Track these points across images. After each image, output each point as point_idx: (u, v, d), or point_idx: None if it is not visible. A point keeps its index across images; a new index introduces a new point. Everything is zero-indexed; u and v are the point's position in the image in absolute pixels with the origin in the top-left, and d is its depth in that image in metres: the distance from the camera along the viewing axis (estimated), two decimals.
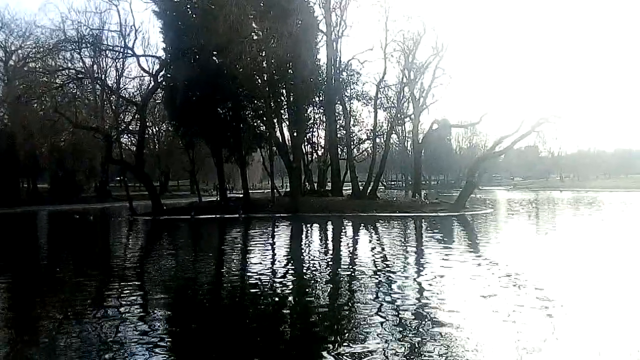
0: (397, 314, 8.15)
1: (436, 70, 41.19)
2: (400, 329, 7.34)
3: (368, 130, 44.45)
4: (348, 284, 10.97)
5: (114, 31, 34.99)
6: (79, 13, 34.84)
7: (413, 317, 7.89)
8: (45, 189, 62.52)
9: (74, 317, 8.56)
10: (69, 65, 35.07)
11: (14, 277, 13.39)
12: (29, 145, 37.21)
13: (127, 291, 10.60)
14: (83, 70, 35.97)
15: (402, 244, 18.02)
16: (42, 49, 35.75)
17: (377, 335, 7.01)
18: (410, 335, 7.02)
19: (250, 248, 17.91)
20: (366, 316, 8.02)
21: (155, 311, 9.04)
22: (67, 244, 21.60)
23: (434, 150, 75.56)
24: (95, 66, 40.63)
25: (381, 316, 8.01)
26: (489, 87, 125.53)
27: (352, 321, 7.97)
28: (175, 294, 10.70)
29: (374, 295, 9.69)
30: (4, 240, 23.47)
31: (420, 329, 7.25)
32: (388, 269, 12.46)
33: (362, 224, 25.18)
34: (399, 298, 9.25)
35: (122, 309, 8.93)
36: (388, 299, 9.26)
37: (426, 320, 7.69)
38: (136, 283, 11.95)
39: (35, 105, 35.61)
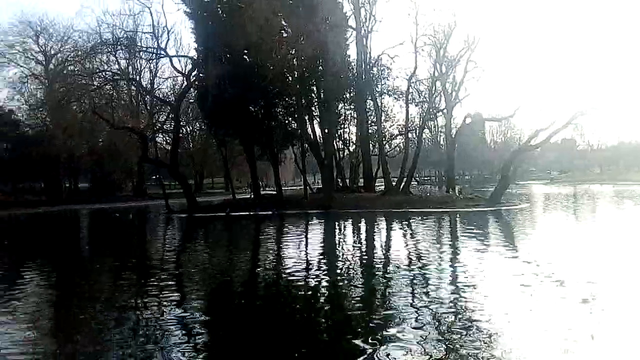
0: (434, 314, 8.04)
1: (468, 63, 40.40)
2: (436, 331, 7.25)
3: (400, 125, 44.09)
4: (386, 280, 10.86)
5: (148, 33, 35.73)
6: (113, 16, 35.69)
7: (452, 318, 7.76)
8: (85, 188, 64.66)
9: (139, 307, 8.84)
10: (106, 67, 36.17)
11: (75, 271, 13.96)
12: (69, 146, 38.53)
13: (170, 283, 10.89)
14: (119, 72, 36.96)
15: (437, 240, 17.80)
16: (80, 53, 36.92)
17: (418, 328, 6.97)
18: (453, 339, 6.92)
19: (287, 244, 18.10)
20: (405, 309, 7.98)
21: (206, 303, 9.24)
22: (113, 241, 22.39)
23: (467, 145, 74.14)
24: (130, 68, 41.73)
25: (418, 311, 7.95)
26: (524, 79, 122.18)
27: (393, 315, 7.92)
28: (220, 288, 10.91)
29: (412, 292, 9.58)
30: (56, 238, 24.50)
31: (462, 330, 7.13)
32: (424, 265, 12.23)
33: (396, 220, 25.00)
34: (435, 297, 9.12)
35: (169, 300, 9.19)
36: (425, 297, 9.16)
37: (467, 321, 7.55)
38: (177, 277, 12.27)
39: (74, 107, 36.75)
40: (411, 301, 8.76)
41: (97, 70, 35.27)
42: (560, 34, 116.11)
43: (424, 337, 6.65)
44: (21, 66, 49.38)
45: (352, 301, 9.23)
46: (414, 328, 7.07)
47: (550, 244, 16.06)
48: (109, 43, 34.16)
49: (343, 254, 15.36)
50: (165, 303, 9.29)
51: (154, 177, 63.80)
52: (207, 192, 66.11)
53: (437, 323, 7.36)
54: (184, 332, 7.47)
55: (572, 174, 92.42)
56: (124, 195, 60.62)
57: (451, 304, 8.35)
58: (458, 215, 26.15)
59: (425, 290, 9.71)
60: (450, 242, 17.27)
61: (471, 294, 9.03)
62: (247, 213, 31.19)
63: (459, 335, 6.69)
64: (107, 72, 35.64)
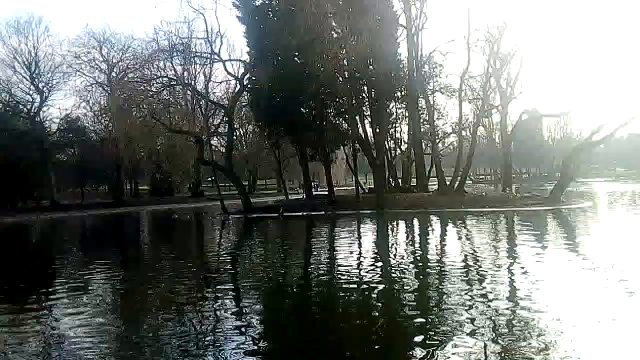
0: (491, 319, 7.86)
1: (524, 58, 39.14)
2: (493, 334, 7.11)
3: (453, 123, 43.31)
4: (443, 282, 10.65)
5: (201, 38, 36.74)
6: (169, 24, 37.03)
7: (509, 324, 7.57)
8: (145, 190, 67.47)
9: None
10: (163, 73, 37.47)
11: (158, 270, 14.81)
12: (130, 150, 40.25)
13: (226, 281, 11.22)
14: (175, 78, 38.18)
15: (494, 240, 17.36)
16: (139, 60, 38.49)
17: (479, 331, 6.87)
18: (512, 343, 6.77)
19: (344, 245, 18.15)
20: (463, 313, 7.86)
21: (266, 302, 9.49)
22: (179, 242, 23.55)
23: (524, 142, 71.80)
24: (185, 73, 42.98)
25: (477, 314, 7.81)
26: (584, 73, 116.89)
27: (452, 318, 7.82)
28: (290, 288, 11.15)
29: (470, 293, 9.33)
30: (130, 238, 26.33)
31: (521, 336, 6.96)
32: (482, 267, 11.94)
33: (450, 220, 24.56)
34: (494, 300, 8.90)
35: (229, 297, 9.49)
36: (484, 300, 8.95)
37: (527, 325, 7.35)
38: (234, 276, 12.65)
39: (135, 112, 38.32)
40: (473, 306, 8.55)
41: (155, 77, 36.62)
42: (625, 23, 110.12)
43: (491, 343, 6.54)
44: (86, 75, 52.09)
45: (421, 304, 9.10)
46: (476, 336, 6.96)
47: (617, 246, 15.21)
48: (165, 50, 35.44)
49: (401, 256, 15.13)
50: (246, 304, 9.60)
51: (210, 178, 65.67)
52: (260, 193, 67.32)
53: (507, 332, 7.21)
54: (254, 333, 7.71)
55: (639, 171, 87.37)
56: (182, 196, 62.78)
57: (522, 313, 8.11)
58: (516, 215, 25.31)
59: (485, 294, 9.40)
60: (510, 244, 16.60)
61: (543, 302, 8.63)
62: (300, 214, 31.51)
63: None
64: (164, 78, 36.93)
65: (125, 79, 41.51)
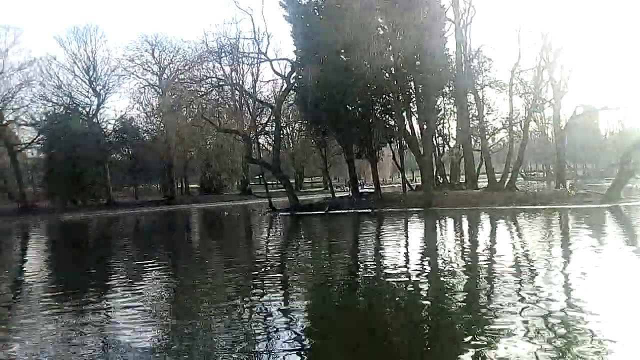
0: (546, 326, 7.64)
1: (579, 49, 37.59)
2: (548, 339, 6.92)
3: (503, 118, 42.05)
4: (495, 282, 10.34)
5: (249, 39, 37.32)
6: (217, 26, 37.89)
7: (563, 326, 7.33)
8: (195, 188, 69.36)
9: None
10: (212, 74, 38.35)
11: (216, 265, 15.22)
12: (181, 149, 41.45)
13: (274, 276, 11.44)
14: (223, 78, 38.99)
15: (548, 239, 16.77)
16: (188, 62, 39.64)
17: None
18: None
19: (389, 241, 18.08)
20: (515, 314, 7.70)
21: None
22: (232, 238, 24.44)
23: (578, 137, 68.83)
24: (233, 73, 43.84)
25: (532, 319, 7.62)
26: None
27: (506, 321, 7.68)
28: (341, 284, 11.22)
29: (522, 293, 9.12)
30: (183, 233, 28.04)
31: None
32: (536, 266, 11.53)
33: (502, 217, 23.96)
34: (548, 301, 8.62)
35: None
36: (538, 300, 8.68)
37: (582, 328, 7.10)
38: (285, 271, 12.91)
39: (185, 113, 39.44)
40: (527, 307, 8.34)
41: (204, 78, 37.54)
42: None
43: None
44: (139, 77, 54.16)
45: (473, 304, 9.00)
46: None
47: None
48: (214, 51, 36.28)
49: (452, 254, 14.67)
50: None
51: (258, 176, 66.70)
52: (307, 190, 67.79)
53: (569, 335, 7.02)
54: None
55: None
56: (230, 194, 64.13)
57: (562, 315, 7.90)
58: (570, 213, 24.40)
59: (539, 295, 9.10)
60: (564, 243, 15.86)
61: (600, 304, 8.30)
62: (346, 211, 31.53)
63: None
64: (213, 79, 37.79)
65: (176, 81, 42.79)
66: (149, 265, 14.83)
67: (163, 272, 13.95)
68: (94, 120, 53.56)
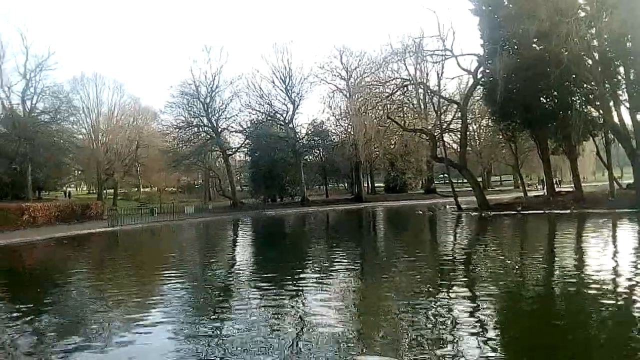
0: None
1: None
2: None
3: None
4: None
5: (434, 36, 37.00)
6: (401, 27, 38.32)
7: None
8: (380, 187, 71.37)
9: None
10: (396, 75, 38.99)
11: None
12: (367, 149, 42.98)
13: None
14: (408, 78, 39.31)
15: None
16: (374, 65, 40.85)
17: None
18: None
19: (591, 246, 16.26)
20: None
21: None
22: (426, 234, 25.16)
23: None
24: (417, 72, 43.88)
25: None
26: None
27: None
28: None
29: None
30: (384, 229, 29.47)
31: None
32: None
33: None
34: None
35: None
36: None
37: None
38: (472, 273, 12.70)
39: (371, 114, 40.76)
40: None
41: (389, 79, 38.35)
42: None
43: None
44: (329, 83, 57.46)
45: None
46: None
47: None
48: (398, 52, 36.85)
49: None
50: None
51: (442, 175, 65.64)
52: (495, 189, 64.51)
53: None
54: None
55: None
56: (414, 193, 64.32)
57: None
58: None
59: None
60: None
61: None
62: (541, 212, 29.28)
63: None
64: (398, 79, 38.37)
65: (362, 84, 44.43)
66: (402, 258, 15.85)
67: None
68: (289, 125, 58.59)
